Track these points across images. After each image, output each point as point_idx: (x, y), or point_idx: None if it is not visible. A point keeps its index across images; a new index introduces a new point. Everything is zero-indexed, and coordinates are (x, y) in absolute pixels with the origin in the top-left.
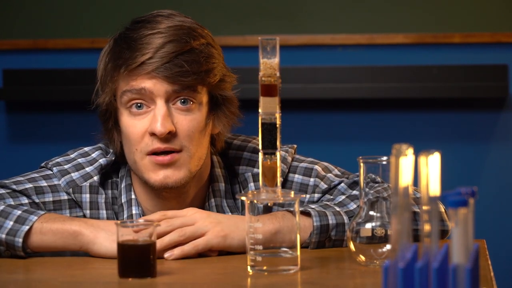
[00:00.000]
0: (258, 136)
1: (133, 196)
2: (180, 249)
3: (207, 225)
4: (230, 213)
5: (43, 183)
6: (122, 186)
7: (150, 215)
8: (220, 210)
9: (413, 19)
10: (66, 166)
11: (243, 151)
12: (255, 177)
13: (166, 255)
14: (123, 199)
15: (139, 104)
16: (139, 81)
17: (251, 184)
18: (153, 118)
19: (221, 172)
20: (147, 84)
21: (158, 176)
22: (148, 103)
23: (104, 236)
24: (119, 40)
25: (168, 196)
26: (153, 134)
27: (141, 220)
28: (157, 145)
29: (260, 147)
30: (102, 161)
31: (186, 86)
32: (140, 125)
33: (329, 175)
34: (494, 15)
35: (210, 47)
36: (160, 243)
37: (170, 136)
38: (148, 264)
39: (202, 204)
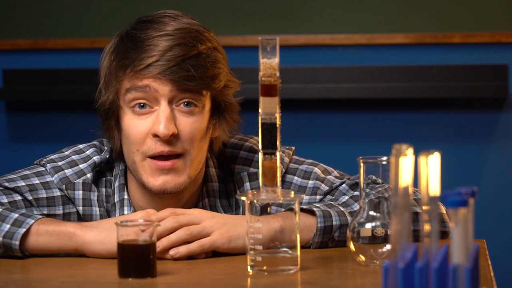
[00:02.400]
0: (256, 135)
1: (125, 196)
2: (186, 247)
3: (213, 225)
4: (223, 213)
5: (36, 181)
6: (116, 185)
7: (161, 211)
8: (214, 210)
9: (413, 19)
10: (60, 163)
11: (240, 150)
12: (251, 177)
13: (172, 252)
14: (116, 199)
15: (142, 104)
16: (144, 81)
17: (247, 184)
18: (156, 119)
19: (215, 172)
20: (153, 83)
21: (157, 181)
22: (152, 103)
23: (98, 236)
24: (125, 38)
25: (164, 196)
26: (155, 136)
27: (141, 220)
28: (161, 148)
29: (260, 147)
30: (96, 158)
31: (191, 90)
32: (142, 125)
33: (329, 177)
34: (494, 15)
35: (216, 52)
36: (167, 241)
37: (172, 138)
38: (148, 264)
39: (196, 203)
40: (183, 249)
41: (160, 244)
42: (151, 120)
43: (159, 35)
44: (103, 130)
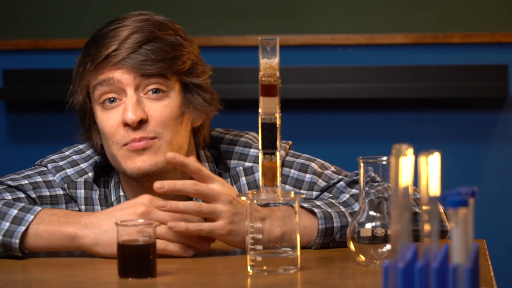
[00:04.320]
0: (252, 131)
1: (121, 193)
2: (185, 224)
3: (224, 212)
4: None
5: (38, 179)
6: (112, 184)
7: (185, 182)
8: None
9: (413, 19)
10: (61, 163)
11: (235, 145)
12: (247, 171)
13: (170, 224)
14: (113, 197)
15: (112, 99)
16: (107, 73)
17: (243, 178)
18: (124, 108)
19: (209, 167)
20: (115, 74)
21: (135, 163)
22: (120, 96)
23: (100, 238)
24: (88, 41)
25: (152, 188)
26: (126, 125)
27: (141, 220)
28: (132, 135)
29: (260, 147)
30: (97, 158)
31: (154, 74)
32: (113, 118)
33: (326, 171)
34: (494, 15)
35: (179, 38)
36: (175, 205)
37: (142, 124)
38: (148, 264)
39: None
40: (182, 225)
41: (168, 204)
42: (120, 111)
43: (117, 27)
44: (82, 134)
